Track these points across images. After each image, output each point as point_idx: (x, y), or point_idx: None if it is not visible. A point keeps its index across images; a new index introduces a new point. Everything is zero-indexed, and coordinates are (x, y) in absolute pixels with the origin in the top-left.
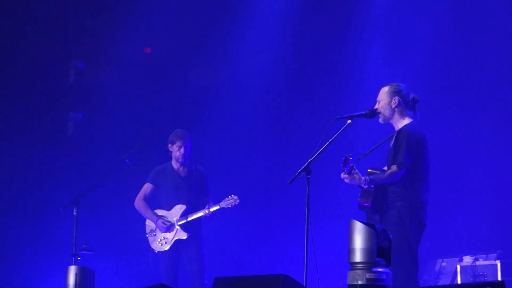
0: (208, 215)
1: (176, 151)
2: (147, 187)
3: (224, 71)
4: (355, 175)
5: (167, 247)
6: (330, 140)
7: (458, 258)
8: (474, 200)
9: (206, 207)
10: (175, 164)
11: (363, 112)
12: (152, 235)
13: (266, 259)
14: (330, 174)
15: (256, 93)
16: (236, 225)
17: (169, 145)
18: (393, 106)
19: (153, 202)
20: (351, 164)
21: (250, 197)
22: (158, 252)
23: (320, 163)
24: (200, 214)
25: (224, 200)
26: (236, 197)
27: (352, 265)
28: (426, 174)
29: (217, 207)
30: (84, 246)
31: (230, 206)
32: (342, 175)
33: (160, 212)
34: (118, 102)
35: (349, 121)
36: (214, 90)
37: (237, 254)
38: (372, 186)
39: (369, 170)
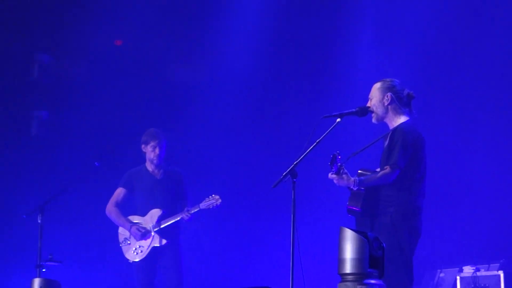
0: (187, 217)
1: (150, 152)
2: (119, 192)
3: (204, 66)
4: (343, 176)
5: (142, 256)
6: (317, 141)
7: (457, 269)
8: (474, 205)
9: (185, 209)
10: (149, 166)
11: (354, 110)
12: (126, 244)
13: (249, 268)
14: (317, 177)
15: (239, 89)
16: (217, 232)
17: (142, 145)
18: (386, 104)
19: (127, 208)
20: (339, 163)
21: (232, 202)
22: (133, 262)
23: (307, 166)
24: (177, 218)
25: (204, 201)
26: (217, 197)
27: (342, 277)
28: (422, 177)
29: (197, 209)
30: (49, 256)
31: (211, 207)
32: (330, 175)
33: (134, 218)
34: (87, 99)
35: (338, 119)
36: (194, 87)
37: (218, 262)
38: (363, 188)
39: (359, 171)
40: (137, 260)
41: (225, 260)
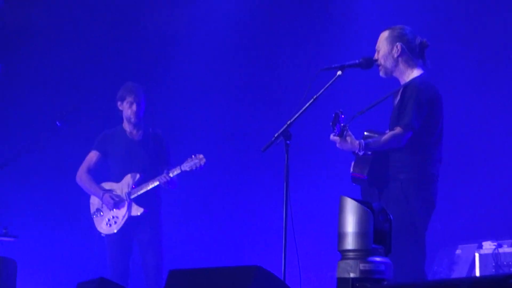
0: (166, 180)
1: (127, 108)
2: (92, 156)
3: (186, 11)
4: (347, 138)
5: (116, 229)
6: (314, 97)
7: (476, 245)
8: (496, 172)
9: (165, 171)
10: (127, 127)
11: (357, 61)
12: (98, 215)
13: (236, 244)
14: (315, 139)
15: (226, 37)
16: (201, 203)
17: (118, 103)
18: (396, 55)
19: (101, 174)
20: (342, 123)
21: (218, 168)
22: (105, 236)
23: (302, 126)
24: (156, 182)
25: (186, 161)
26: (201, 156)
27: (343, 254)
28: (438, 140)
29: (178, 171)
30: (3, 230)
31: (194, 168)
32: (332, 137)
33: (107, 185)
34: (47, 48)
35: (339, 72)
36: (174, 34)
37: (203, 236)
38: (370, 152)
39: (366, 133)
40: (110, 232)
41: (210, 233)
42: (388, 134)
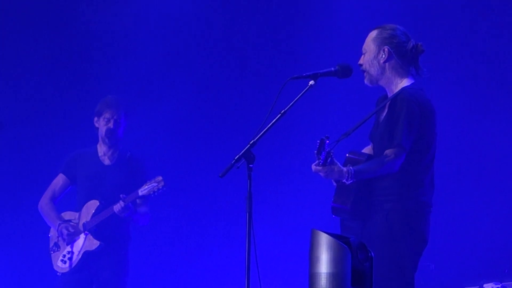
0: (122, 207)
1: (103, 126)
2: (58, 180)
3: (132, 9)
4: (333, 166)
5: (70, 266)
6: (282, 111)
7: (477, 287)
8: (499, 204)
9: (121, 197)
10: (101, 148)
11: (332, 69)
12: (56, 250)
13: (197, 275)
14: (282, 161)
15: (180, 40)
16: (159, 232)
17: (95, 118)
18: (382, 61)
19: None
20: (327, 150)
21: (172, 196)
22: (61, 275)
23: (268, 146)
24: (110, 212)
25: (144, 185)
26: (159, 178)
27: None
28: (431, 162)
29: (135, 197)
30: None
31: (152, 193)
32: (314, 168)
33: (67, 215)
34: None
35: (311, 82)
36: (118, 36)
37: (162, 266)
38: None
39: (348, 155)
40: (64, 271)
41: (169, 263)
42: (381, 160)
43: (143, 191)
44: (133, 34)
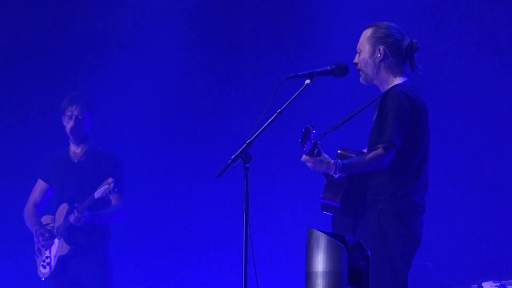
0: (76, 217)
1: (66, 123)
2: (37, 186)
3: (123, 12)
4: (321, 157)
5: (49, 271)
6: (278, 111)
7: (476, 286)
8: (497, 202)
9: (75, 205)
10: (71, 147)
11: (328, 68)
12: (38, 255)
13: (194, 276)
14: (278, 161)
15: (174, 37)
16: (151, 235)
17: (62, 117)
18: (377, 60)
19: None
20: (313, 140)
21: (165, 196)
22: (45, 279)
23: (264, 145)
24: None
25: (99, 187)
26: (109, 180)
27: None
28: (423, 161)
29: (91, 201)
30: None
31: (106, 195)
32: (303, 157)
33: (45, 219)
34: None
35: (307, 81)
36: (108, 38)
37: (157, 267)
38: (344, 176)
39: (340, 151)
40: (46, 276)
41: (160, 270)
42: (369, 155)
43: (97, 193)
44: (126, 33)
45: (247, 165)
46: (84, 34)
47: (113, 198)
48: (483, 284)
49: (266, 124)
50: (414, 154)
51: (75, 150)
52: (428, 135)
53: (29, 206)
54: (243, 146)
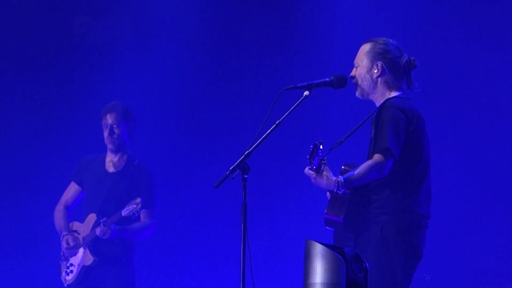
0: (101, 231)
1: (104, 132)
2: (70, 188)
3: (125, 17)
4: (324, 174)
5: (72, 280)
6: (277, 122)
7: None
8: (494, 214)
9: (101, 220)
10: (108, 155)
11: (327, 80)
12: (63, 260)
13: (193, 287)
14: (277, 172)
15: (173, 50)
16: (153, 243)
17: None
18: (375, 76)
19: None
20: (321, 156)
21: (163, 206)
22: (67, 286)
23: (263, 157)
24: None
25: (127, 206)
26: (138, 200)
27: None
28: (425, 171)
29: (118, 217)
30: None
31: (133, 214)
32: (306, 170)
33: (74, 225)
34: None
35: (306, 92)
36: (110, 43)
37: (156, 277)
38: (348, 192)
39: (344, 167)
40: (69, 283)
41: (164, 276)
42: (366, 164)
43: (125, 212)
44: (131, 37)
45: (245, 176)
46: (92, 38)
47: (142, 214)
48: None
49: (264, 135)
50: (414, 165)
51: (112, 159)
52: (428, 145)
53: (60, 207)
54: (242, 157)
